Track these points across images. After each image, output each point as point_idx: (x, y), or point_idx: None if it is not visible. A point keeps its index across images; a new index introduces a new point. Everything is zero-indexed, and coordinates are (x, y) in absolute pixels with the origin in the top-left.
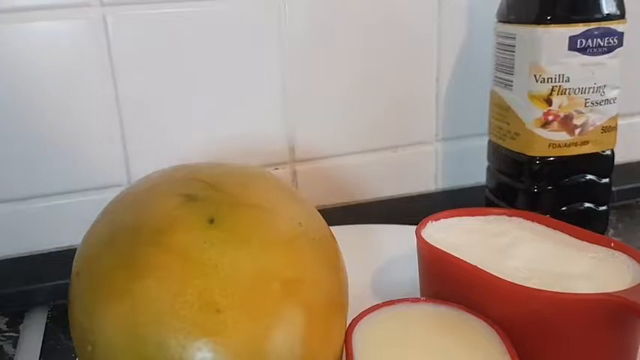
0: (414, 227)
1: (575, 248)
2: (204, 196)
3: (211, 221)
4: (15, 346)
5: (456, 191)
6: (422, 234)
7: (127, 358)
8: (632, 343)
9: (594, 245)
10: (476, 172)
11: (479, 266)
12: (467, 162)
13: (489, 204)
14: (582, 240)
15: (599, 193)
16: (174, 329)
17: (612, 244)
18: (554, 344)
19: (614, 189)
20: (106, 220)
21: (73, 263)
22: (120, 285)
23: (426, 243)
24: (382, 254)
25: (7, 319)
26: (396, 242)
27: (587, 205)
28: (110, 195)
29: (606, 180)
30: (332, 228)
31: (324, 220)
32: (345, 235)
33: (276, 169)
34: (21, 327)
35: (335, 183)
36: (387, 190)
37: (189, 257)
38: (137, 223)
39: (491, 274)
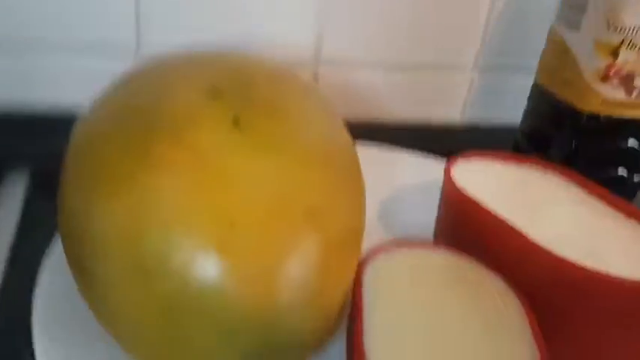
0: (433, 159)
1: (610, 219)
2: (232, 91)
3: (236, 123)
4: None
5: (482, 128)
6: (452, 171)
7: (121, 259)
8: None
9: (630, 220)
10: (508, 112)
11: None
12: (501, 98)
13: (517, 149)
14: (617, 211)
15: (638, 162)
16: (180, 236)
17: None
18: (580, 322)
19: None
20: (118, 97)
21: (73, 135)
22: (128, 174)
23: (455, 184)
24: (395, 183)
25: None
26: (413, 172)
27: (621, 171)
28: (118, 64)
29: None
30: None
31: (350, 138)
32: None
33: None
34: None
35: (355, 95)
36: (408, 112)
37: (209, 159)
38: (154, 110)
39: (527, 236)
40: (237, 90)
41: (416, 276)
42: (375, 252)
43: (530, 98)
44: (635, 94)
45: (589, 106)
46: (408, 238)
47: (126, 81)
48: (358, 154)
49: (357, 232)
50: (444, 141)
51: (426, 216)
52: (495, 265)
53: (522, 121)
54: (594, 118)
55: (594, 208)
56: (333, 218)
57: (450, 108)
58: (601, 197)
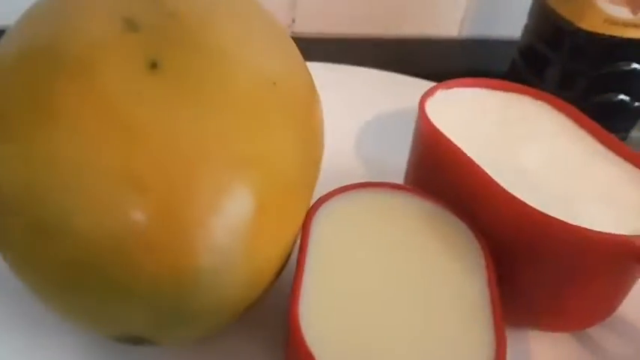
0: (422, 83)
1: (599, 159)
2: (152, 24)
3: (153, 65)
4: None
5: (480, 41)
6: (426, 105)
7: (17, 214)
8: (624, 283)
9: (621, 160)
10: (509, 25)
11: (480, 162)
12: (501, 10)
13: (514, 67)
14: (610, 149)
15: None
16: (83, 203)
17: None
18: (539, 270)
19: None
20: (19, 32)
21: None
22: (22, 126)
23: (427, 120)
24: (373, 111)
25: None
26: (396, 98)
27: (621, 97)
28: None
29: None
30: (320, 65)
31: (309, 76)
32: (332, 77)
33: None
34: None
35: (341, 8)
36: (402, 27)
37: (118, 110)
38: (60, 46)
39: (490, 178)
40: (159, 19)
41: (372, 221)
42: (329, 195)
43: (530, 13)
44: None
45: (591, 24)
46: (375, 178)
47: (39, 6)
48: (333, 75)
49: (301, 182)
50: (440, 58)
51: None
52: (462, 207)
53: (521, 39)
54: (596, 37)
55: (583, 144)
56: (265, 171)
57: (448, 23)
58: (593, 132)
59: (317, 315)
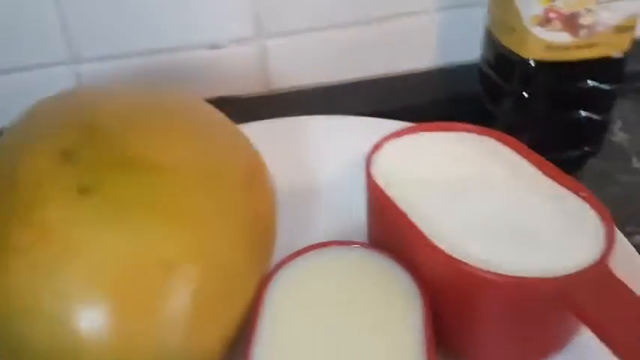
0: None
1: (542, 190)
2: (84, 152)
3: (83, 191)
4: None
5: (453, 69)
6: (373, 159)
7: None
8: (559, 323)
9: (563, 188)
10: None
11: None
12: (473, 33)
13: (478, 98)
14: (554, 180)
15: (601, 101)
16: (37, 321)
17: (582, 193)
18: (476, 319)
19: (638, 67)
20: None
21: None
22: None
23: (371, 177)
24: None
25: None
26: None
27: (584, 114)
28: None
29: (613, 86)
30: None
31: (258, 158)
32: (307, 131)
33: (241, 44)
34: None
35: (316, 59)
36: (374, 67)
37: (56, 235)
38: (6, 184)
39: (420, 231)
40: (94, 149)
41: (324, 281)
42: (284, 262)
43: (482, 43)
44: (582, 33)
45: (533, 53)
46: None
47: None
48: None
49: (245, 266)
50: (418, 90)
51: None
52: (405, 259)
53: (479, 68)
54: (542, 64)
55: (528, 178)
56: (201, 266)
57: (421, 55)
58: (537, 164)
59: None
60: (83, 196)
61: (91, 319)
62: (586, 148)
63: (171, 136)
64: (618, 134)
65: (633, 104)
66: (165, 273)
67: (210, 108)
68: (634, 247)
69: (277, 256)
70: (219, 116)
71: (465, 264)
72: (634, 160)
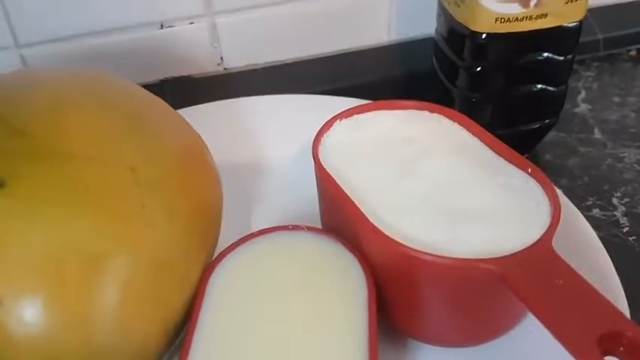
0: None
1: (488, 168)
2: (3, 145)
3: (1, 184)
4: None
5: (410, 43)
6: (321, 140)
7: None
8: (508, 308)
9: (511, 166)
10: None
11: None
12: (427, 8)
13: (433, 69)
14: (500, 156)
15: (557, 73)
16: None
17: (529, 170)
18: (417, 299)
19: (600, 37)
20: None
21: None
22: None
23: (318, 160)
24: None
25: None
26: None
27: (540, 86)
28: None
29: (568, 56)
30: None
31: (197, 142)
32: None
33: (192, 23)
34: None
35: (267, 37)
36: (331, 44)
37: None
38: None
39: (363, 215)
40: (8, 140)
41: (269, 266)
42: (228, 250)
43: (437, 17)
44: (532, 4)
45: (483, 26)
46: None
47: None
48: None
49: (182, 254)
50: (374, 66)
51: None
52: (349, 240)
53: (434, 43)
54: (492, 37)
55: (475, 155)
56: (130, 258)
57: (375, 30)
58: (485, 140)
59: None
60: (2, 189)
61: (14, 317)
62: (544, 121)
63: (90, 124)
64: (581, 105)
65: (597, 74)
66: (90, 267)
67: (143, 92)
68: (593, 219)
69: (225, 240)
70: (152, 100)
71: (402, 245)
72: (596, 130)
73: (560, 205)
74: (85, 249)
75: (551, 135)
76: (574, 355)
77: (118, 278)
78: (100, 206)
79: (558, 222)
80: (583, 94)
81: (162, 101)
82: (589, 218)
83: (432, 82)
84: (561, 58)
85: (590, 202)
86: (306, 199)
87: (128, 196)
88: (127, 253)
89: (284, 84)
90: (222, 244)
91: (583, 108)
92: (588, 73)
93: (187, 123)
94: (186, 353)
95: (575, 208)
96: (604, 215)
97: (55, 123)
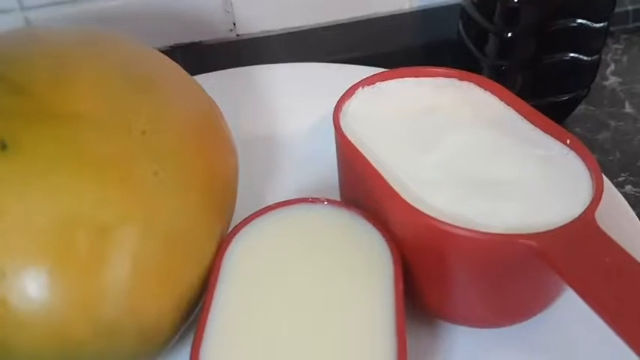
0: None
1: (522, 139)
2: (3, 104)
3: (3, 146)
4: None
5: (433, 10)
6: (343, 108)
7: None
8: (544, 284)
9: (547, 137)
10: None
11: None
12: None
13: (460, 37)
14: (536, 126)
15: (590, 41)
16: None
17: (568, 141)
18: (447, 276)
19: (630, 8)
20: None
21: None
22: None
23: (340, 130)
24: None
25: None
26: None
27: (572, 55)
28: None
29: (602, 24)
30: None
31: (213, 110)
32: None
33: None
34: None
35: (280, 3)
36: (348, 10)
37: None
38: None
39: (388, 186)
40: (7, 97)
41: (288, 239)
42: (244, 223)
43: None
44: None
45: None
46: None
47: None
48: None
49: (197, 225)
50: (394, 34)
51: None
52: (374, 214)
53: (461, 9)
54: (527, 1)
55: (508, 125)
56: (140, 229)
57: None
58: (519, 109)
59: (219, 356)
60: (4, 151)
61: (17, 291)
62: (575, 93)
63: (96, 83)
64: (610, 78)
65: (626, 46)
66: (98, 238)
67: (155, 53)
68: (624, 196)
69: (239, 213)
70: (164, 62)
71: (433, 219)
72: (626, 104)
73: (602, 178)
74: (93, 219)
75: (581, 108)
76: (621, 336)
77: (128, 251)
78: (109, 173)
79: (601, 196)
80: (612, 66)
81: (176, 64)
82: (622, 194)
83: (456, 52)
84: (595, 25)
85: (623, 178)
86: (324, 171)
87: (138, 162)
88: (137, 223)
89: (298, 52)
90: (237, 217)
91: (612, 81)
92: (617, 46)
93: (203, 90)
94: (202, 331)
95: (610, 184)
96: (637, 192)
97: (58, 81)
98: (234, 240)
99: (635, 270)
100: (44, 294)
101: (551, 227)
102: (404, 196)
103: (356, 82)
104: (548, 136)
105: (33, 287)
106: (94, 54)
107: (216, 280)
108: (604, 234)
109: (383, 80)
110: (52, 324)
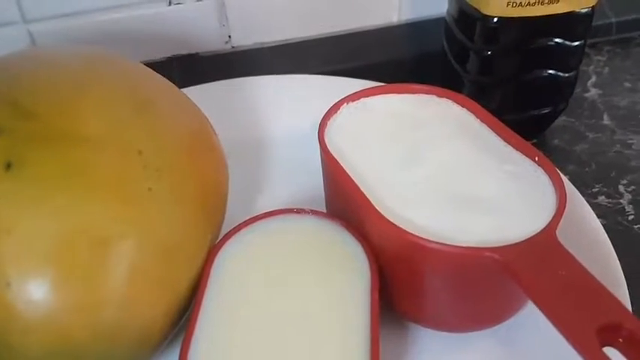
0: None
1: (495, 155)
2: (11, 127)
3: (8, 166)
4: None
5: (420, 23)
6: (328, 123)
7: None
8: (511, 295)
9: (519, 154)
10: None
11: (361, 184)
12: None
13: (444, 52)
14: (508, 143)
15: (568, 59)
16: None
17: (536, 158)
18: (420, 285)
19: (613, 20)
20: None
21: None
22: None
23: (324, 144)
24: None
25: None
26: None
27: (551, 71)
28: None
29: (579, 42)
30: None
31: (204, 125)
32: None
33: (200, 0)
34: None
35: (274, 15)
36: (339, 24)
37: None
38: None
39: (367, 201)
40: (18, 121)
41: (273, 249)
42: (233, 231)
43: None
44: None
45: (494, 10)
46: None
47: None
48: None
49: (189, 236)
50: (383, 47)
51: None
52: (354, 226)
53: (445, 25)
54: (504, 21)
55: (482, 141)
56: (137, 241)
57: (385, 10)
58: (492, 126)
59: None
60: (8, 173)
61: (22, 298)
62: (554, 107)
63: (98, 106)
64: (591, 90)
65: (608, 58)
66: (99, 249)
67: (152, 74)
68: (599, 206)
69: (229, 222)
70: (160, 83)
71: (406, 232)
72: (604, 116)
73: (565, 195)
74: (94, 232)
75: (560, 120)
76: (573, 345)
77: (126, 260)
78: (109, 190)
79: (563, 212)
80: (594, 78)
81: (171, 83)
82: (595, 205)
83: (442, 65)
84: (573, 43)
85: (597, 189)
86: (312, 182)
87: (136, 180)
88: (134, 235)
89: (292, 63)
90: (227, 226)
91: (593, 93)
92: (599, 57)
93: (195, 105)
94: (191, 334)
95: (581, 197)
96: (610, 203)
97: (63, 105)
98: (222, 248)
99: (587, 281)
100: (47, 301)
101: (517, 241)
102: (381, 210)
103: (343, 95)
104: (519, 153)
105: (37, 294)
106: (99, 77)
107: (204, 286)
108: (562, 247)
109: (367, 96)
110: (54, 328)
